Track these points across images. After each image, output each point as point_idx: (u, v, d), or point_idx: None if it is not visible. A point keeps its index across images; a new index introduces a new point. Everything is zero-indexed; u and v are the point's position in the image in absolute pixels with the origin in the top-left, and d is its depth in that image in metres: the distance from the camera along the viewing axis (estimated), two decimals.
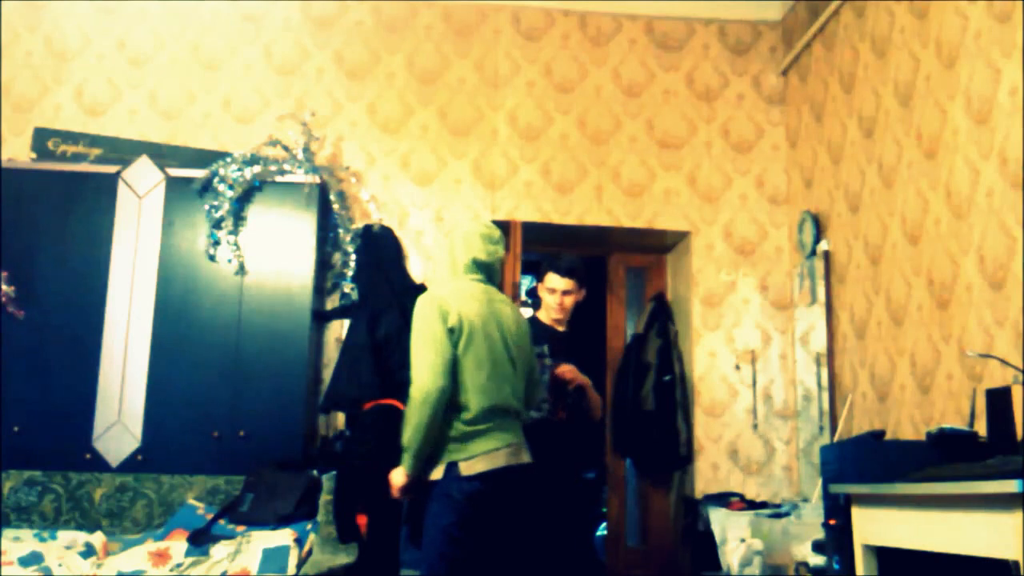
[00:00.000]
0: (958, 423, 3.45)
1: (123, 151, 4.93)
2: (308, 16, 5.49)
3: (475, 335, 3.14)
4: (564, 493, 3.93)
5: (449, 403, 3.09)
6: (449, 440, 3.10)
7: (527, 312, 4.25)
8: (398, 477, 3.16)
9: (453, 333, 3.11)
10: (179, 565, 3.78)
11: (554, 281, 4.01)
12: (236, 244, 4.65)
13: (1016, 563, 2.14)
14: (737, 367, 5.34)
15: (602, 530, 6.22)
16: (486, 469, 3.06)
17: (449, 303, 3.15)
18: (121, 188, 4.70)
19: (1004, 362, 3.19)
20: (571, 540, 3.99)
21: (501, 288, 3.45)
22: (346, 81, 5.44)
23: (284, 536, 3.83)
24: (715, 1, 5.62)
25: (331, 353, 4.98)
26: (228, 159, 4.77)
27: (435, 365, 3.06)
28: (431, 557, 3.07)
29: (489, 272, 3.35)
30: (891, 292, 4.23)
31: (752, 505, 4.73)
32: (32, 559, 3.79)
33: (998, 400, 2.87)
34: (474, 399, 3.10)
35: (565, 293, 4.01)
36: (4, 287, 4.49)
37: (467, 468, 3.06)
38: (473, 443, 3.08)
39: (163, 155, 4.91)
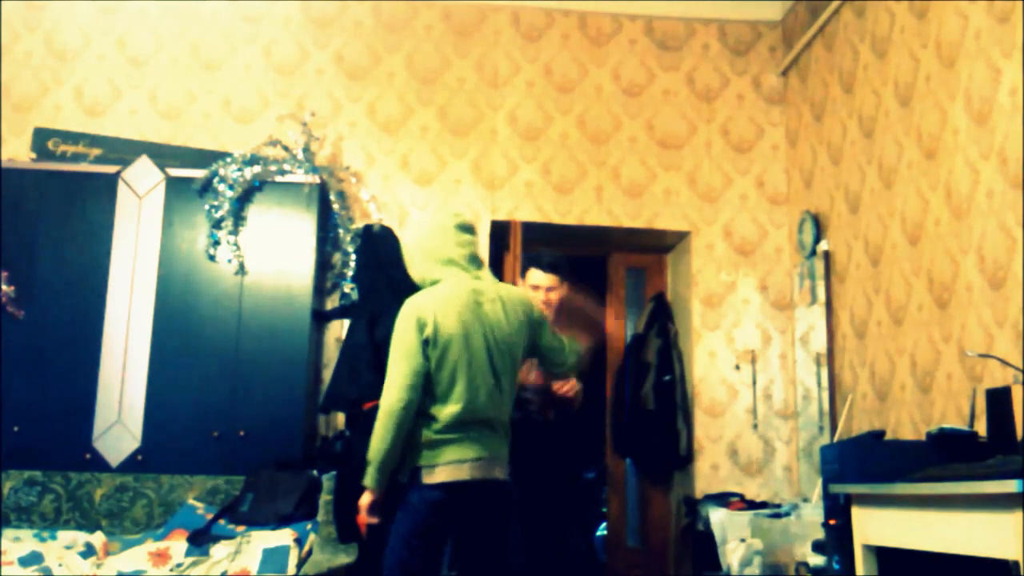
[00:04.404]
0: (958, 423, 3.45)
1: (123, 151, 4.93)
2: (308, 16, 5.49)
3: (452, 344, 3.02)
4: (555, 499, 3.90)
5: (421, 411, 3.01)
6: (418, 446, 3.02)
7: None
8: (364, 497, 3.06)
9: (428, 344, 3.02)
10: (179, 565, 3.78)
11: (537, 277, 3.87)
12: (236, 244, 4.65)
13: (1016, 563, 2.14)
14: (737, 367, 5.34)
15: (602, 530, 6.23)
16: (447, 480, 2.98)
17: (427, 312, 3.03)
18: (121, 188, 4.70)
19: (1004, 362, 3.19)
20: (554, 553, 3.93)
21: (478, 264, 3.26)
22: (346, 81, 5.44)
23: (284, 536, 3.83)
24: (715, 1, 5.62)
25: (331, 353, 4.98)
26: (228, 159, 4.77)
27: (403, 379, 2.99)
28: (390, 562, 3.02)
29: (474, 263, 3.20)
30: (891, 292, 4.23)
31: (752, 505, 4.73)
32: (32, 559, 3.79)
33: (998, 400, 2.87)
34: (445, 409, 3.01)
35: (549, 289, 3.86)
36: (4, 287, 4.49)
37: (429, 476, 2.99)
38: (440, 452, 3.00)
39: (163, 155, 4.91)
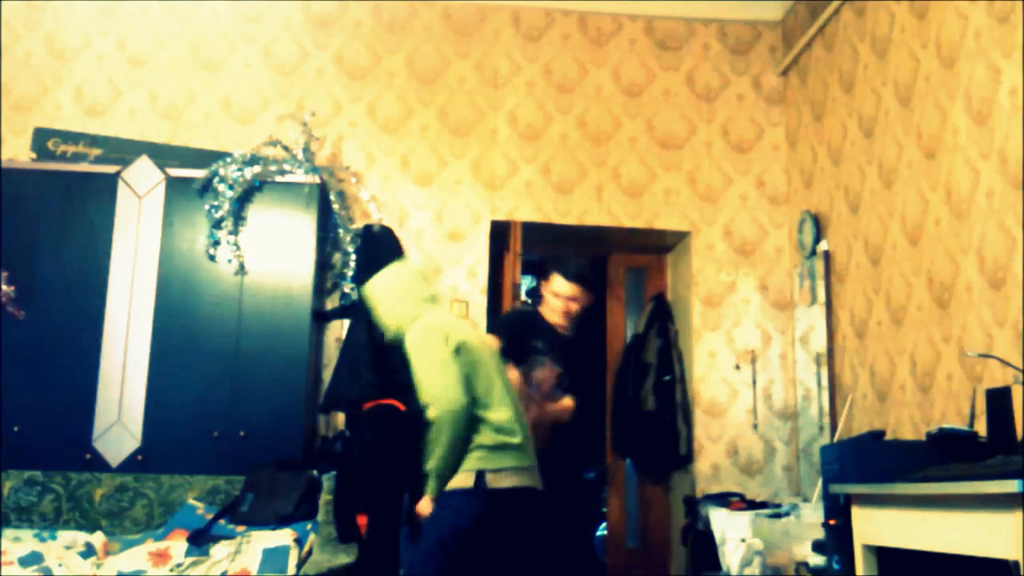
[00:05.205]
0: (958, 423, 3.45)
1: (123, 151, 4.93)
2: (308, 16, 5.49)
3: (478, 355, 3.15)
4: (564, 499, 3.90)
5: (474, 415, 3.04)
6: (479, 448, 3.03)
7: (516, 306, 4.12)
8: (426, 507, 3.07)
9: (459, 353, 3.09)
10: (179, 565, 3.78)
11: (560, 286, 3.79)
12: (236, 244, 4.65)
13: (1016, 563, 2.14)
14: (737, 367, 5.34)
15: (602, 530, 6.22)
16: (512, 485, 3.01)
17: (446, 328, 3.16)
18: (121, 188, 4.70)
19: (1004, 362, 3.19)
20: (571, 551, 3.93)
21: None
22: (346, 81, 5.44)
23: (284, 536, 3.83)
24: (715, 1, 5.62)
25: (331, 353, 4.98)
26: (228, 159, 4.77)
27: (452, 384, 3.02)
28: (426, 566, 3.00)
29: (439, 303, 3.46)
30: (891, 292, 4.23)
31: (752, 505, 4.72)
32: (32, 559, 3.79)
33: (998, 400, 2.87)
34: (495, 413, 3.07)
35: (571, 299, 3.79)
36: (4, 287, 4.49)
37: (495, 481, 2.99)
38: (503, 456, 3.03)
39: (163, 155, 4.91)
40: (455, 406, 3.00)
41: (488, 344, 3.33)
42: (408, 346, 3.16)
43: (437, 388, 3.04)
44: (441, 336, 3.11)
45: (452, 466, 3.02)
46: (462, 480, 3.01)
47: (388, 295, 3.29)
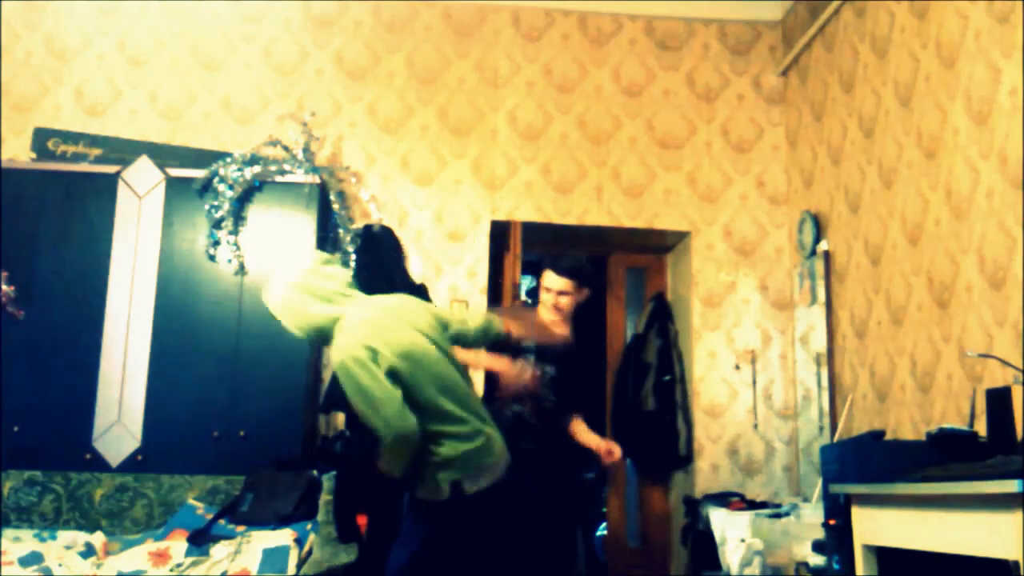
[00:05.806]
0: (958, 423, 3.45)
1: (123, 151, 4.93)
2: (308, 16, 5.49)
3: (418, 361, 2.93)
4: (559, 495, 3.90)
5: (431, 433, 2.91)
6: (448, 462, 2.94)
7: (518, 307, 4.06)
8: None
9: (394, 377, 2.86)
10: (179, 565, 3.78)
11: (550, 280, 3.78)
12: (236, 244, 4.65)
13: (1016, 563, 2.14)
14: (737, 367, 5.34)
15: (602, 530, 6.23)
16: (488, 484, 2.98)
17: (373, 340, 2.87)
18: (121, 188, 4.70)
19: (1004, 362, 3.19)
20: (563, 545, 3.93)
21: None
22: (346, 81, 5.44)
23: (284, 536, 3.83)
24: (715, 1, 5.62)
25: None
26: (228, 159, 4.77)
27: (394, 414, 2.81)
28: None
29: (356, 286, 3.10)
30: (891, 292, 4.23)
31: (752, 505, 4.72)
32: (32, 559, 3.79)
33: (998, 400, 2.87)
34: (457, 422, 2.97)
35: (561, 294, 3.76)
36: (4, 287, 4.49)
37: (470, 486, 2.95)
38: (474, 462, 2.97)
39: (163, 155, 4.91)
40: (403, 433, 2.82)
41: (431, 333, 3.02)
42: (334, 365, 2.89)
43: (379, 422, 2.82)
44: (368, 356, 2.82)
45: (406, 469, 2.96)
46: (439, 491, 2.95)
47: (292, 299, 2.98)
